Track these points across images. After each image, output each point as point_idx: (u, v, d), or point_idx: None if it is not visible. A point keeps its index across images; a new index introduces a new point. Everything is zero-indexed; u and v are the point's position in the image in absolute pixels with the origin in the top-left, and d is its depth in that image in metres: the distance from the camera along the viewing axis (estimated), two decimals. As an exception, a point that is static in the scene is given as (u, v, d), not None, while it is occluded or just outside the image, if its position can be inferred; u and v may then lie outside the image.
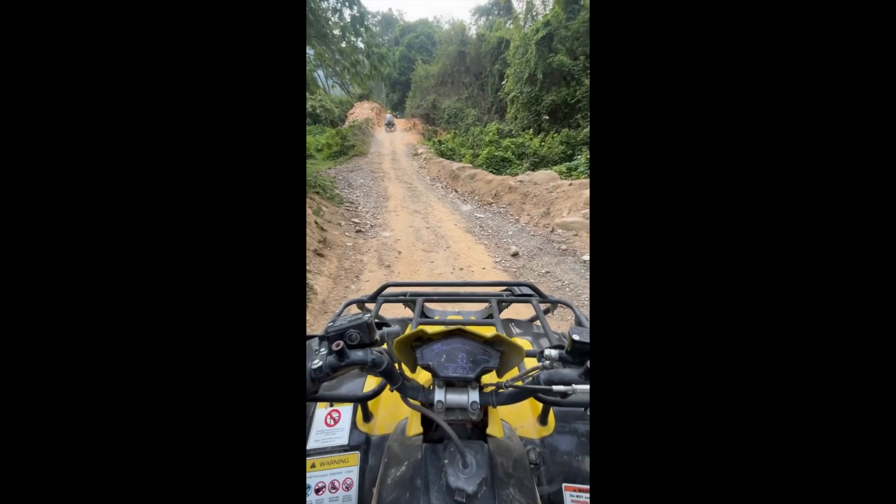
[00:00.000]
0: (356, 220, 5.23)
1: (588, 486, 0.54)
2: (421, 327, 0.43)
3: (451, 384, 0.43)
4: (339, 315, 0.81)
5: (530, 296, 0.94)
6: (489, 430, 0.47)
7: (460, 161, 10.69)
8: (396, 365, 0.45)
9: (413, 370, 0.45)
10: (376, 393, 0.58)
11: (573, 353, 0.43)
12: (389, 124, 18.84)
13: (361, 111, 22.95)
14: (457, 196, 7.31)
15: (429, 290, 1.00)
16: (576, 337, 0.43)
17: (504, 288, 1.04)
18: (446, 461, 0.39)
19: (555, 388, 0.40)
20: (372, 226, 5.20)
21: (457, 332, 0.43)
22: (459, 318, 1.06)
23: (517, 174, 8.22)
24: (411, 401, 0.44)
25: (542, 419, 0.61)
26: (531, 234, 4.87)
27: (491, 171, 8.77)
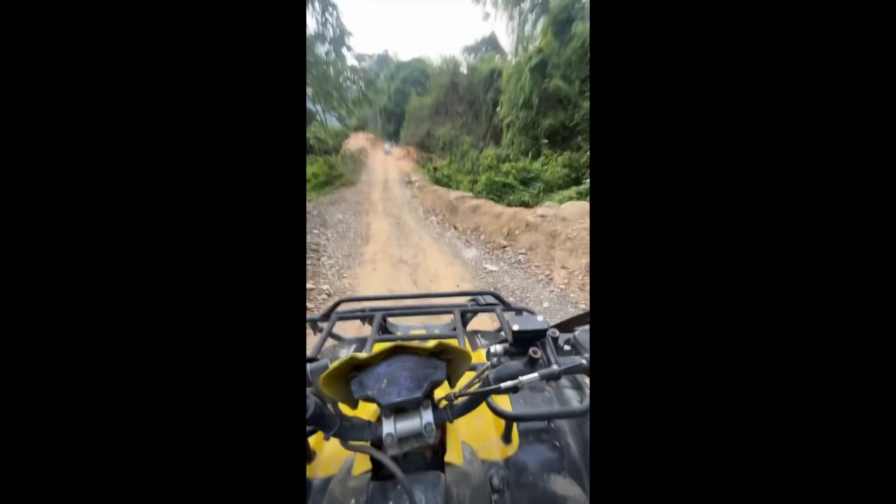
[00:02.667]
0: (310, 286, 3.21)
1: None
2: (352, 355, 0.35)
3: (401, 409, 0.36)
4: None
5: (494, 304, 0.86)
6: (447, 457, 0.40)
7: (458, 189, 9.03)
8: (330, 406, 0.37)
9: (355, 406, 0.38)
10: (313, 431, 0.48)
11: (517, 344, 0.40)
12: (388, 152, 18.50)
13: (357, 141, 21.75)
14: (457, 235, 5.35)
15: (388, 304, 0.88)
16: (515, 327, 0.40)
17: (469, 298, 0.94)
18: (391, 502, 0.34)
19: (503, 385, 0.36)
20: (331, 293, 3.20)
21: (396, 351, 0.37)
22: (423, 332, 0.92)
23: (528, 203, 6.47)
24: (353, 444, 0.37)
25: (506, 437, 0.53)
26: (576, 302, 2.99)
27: (491, 199, 7.11)
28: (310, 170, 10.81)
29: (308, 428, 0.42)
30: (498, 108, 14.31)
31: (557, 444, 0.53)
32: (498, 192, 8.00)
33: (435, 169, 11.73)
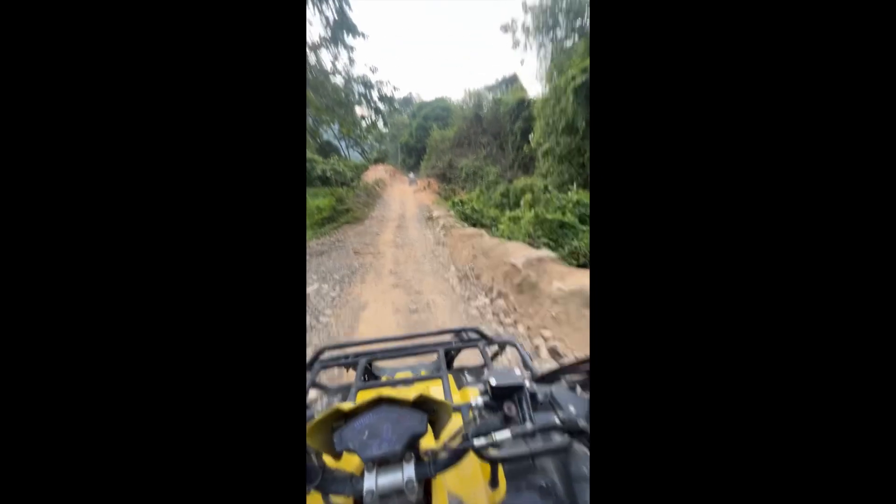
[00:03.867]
0: None
1: None
2: (337, 405, 0.35)
3: (384, 462, 0.35)
4: None
5: (476, 340, 0.82)
6: None
7: (496, 229, 6.57)
8: (314, 457, 0.36)
9: (338, 457, 0.36)
10: None
11: (495, 398, 0.39)
12: (413, 181, 17.73)
13: (375, 173, 20.43)
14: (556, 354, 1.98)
15: (371, 347, 0.83)
16: (493, 381, 0.39)
17: (453, 335, 0.92)
18: None
19: (476, 443, 0.35)
20: None
21: (379, 401, 0.36)
22: (409, 374, 0.86)
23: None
24: (333, 500, 0.36)
25: (493, 482, 0.49)
26: None
27: (547, 245, 4.59)
28: (313, 203, 8.82)
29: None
30: (530, 136, 12.53)
31: (544, 483, 0.49)
32: (553, 235, 5.46)
33: (462, 203, 9.47)
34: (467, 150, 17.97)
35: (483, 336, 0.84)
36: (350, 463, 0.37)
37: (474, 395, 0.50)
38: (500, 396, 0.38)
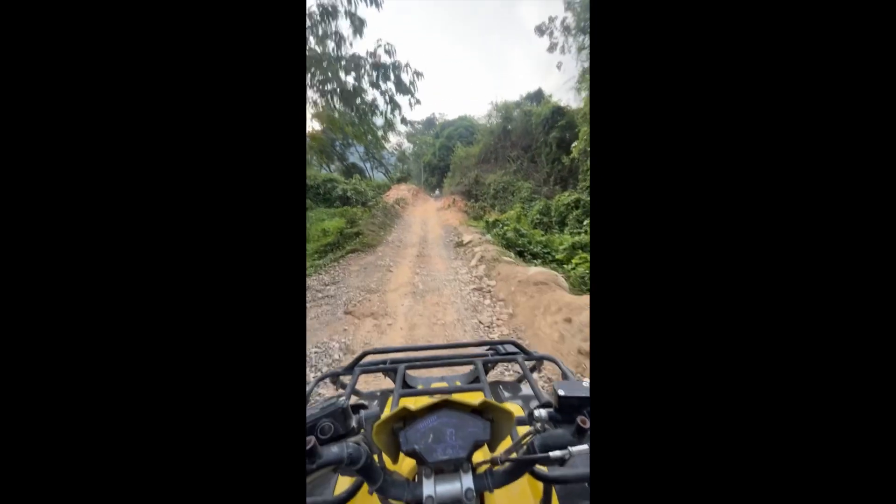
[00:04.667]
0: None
1: None
2: (404, 404, 0.34)
3: (440, 470, 0.33)
4: (309, 394, 0.62)
5: (515, 353, 0.78)
6: None
7: (561, 265, 4.34)
8: (376, 457, 0.35)
9: (396, 459, 0.35)
10: (350, 495, 0.43)
11: (562, 410, 0.36)
12: (437, 197, 16.83)
13: (398, 192, 19.21)
14: None
15: (410, 355, 0.81)
16: (561, 392, 0.36)
17: (488, 348, 0.88)
18: None
19: (552, 454, 0.33)
20: None
21: (443, 405, 0.34)
22: (444, 384, 0.84)
23: None
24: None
25: (546, 502, 0.45)
26: None
27: None
28: (319, 226, 7.22)
29: (356, 479, 0.38)
30: (573, 145, 10.51)
31: None
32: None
33: (500, 224, 7.43)
34: (494, 165, 16.16)
35: (521, 349, 0.79)
36: (404, 465, 0.35)
37: (515, 411, 0.47)
38: (568, 408, 0.35)
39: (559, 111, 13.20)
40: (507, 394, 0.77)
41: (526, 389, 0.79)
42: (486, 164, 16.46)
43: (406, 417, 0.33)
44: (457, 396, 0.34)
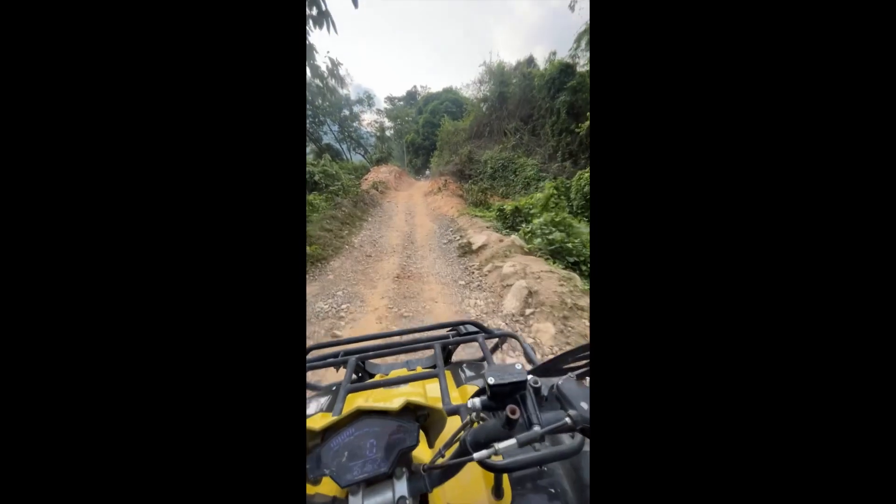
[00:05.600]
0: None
1: None
2: (308, 425, 0.30)
3: (370, 481, 0.30)
4: None
5: (475, 333, 0.74)
6: None
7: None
8: None
9: (315, 482, 0.31)
10: None
11: (494, 399, 0.33)
12: (425, 178, 14.39)
13: (377, 175, 16.24)
14: None
15: (363, 345, 0.72)
16: (491, 380, 0.32)
17: (450, 329, 0.81)
18: None
19: (476, 455, 0.29)
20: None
21: (357, 415, 0.31)
22: (404, 371, 0.78)
23: None
24: None
25: (497, 491, 0.42)
26: None
27: None
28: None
29: None
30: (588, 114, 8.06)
31: (553, 490, 0.44)
32: None
33: (521, 214, 5.02)
34: (489, 140, 13.48)
35: (482, 329, 0.76)
36: (332, 485, 0.31)
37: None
38: (501, 396, 0.32)
39: (568, 70, 10.54)
40: (469, 373, 0.70)
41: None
42: (478, 139, 13.70)
43: (319, 435, 0.29)
44: (379, 400, 0.31)
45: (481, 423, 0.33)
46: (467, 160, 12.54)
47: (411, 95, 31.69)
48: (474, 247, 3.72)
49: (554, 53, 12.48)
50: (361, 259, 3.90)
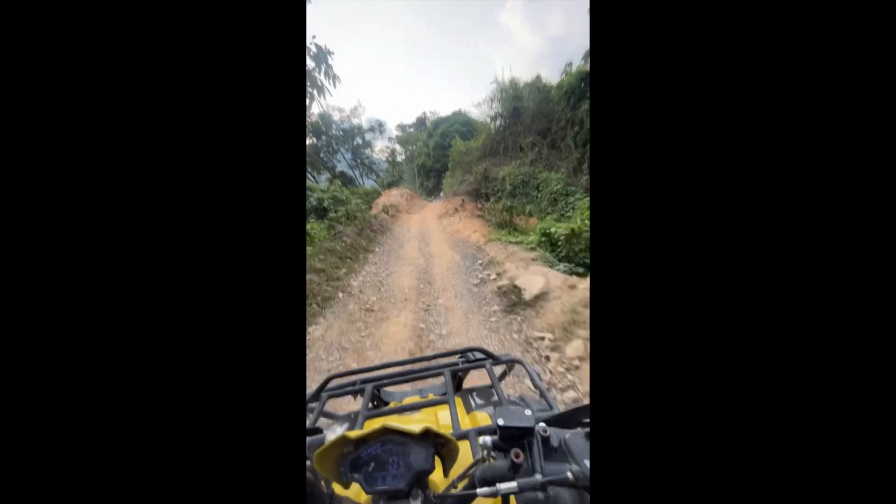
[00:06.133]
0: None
1: None
2: (344, 433, 0.33)
3: (392, 496, 0.32)
4: None
5: (483, 360, 0.75)
6: None
7: None
8: (322, 483, 0.34)
9: (347, 485, 0.33)
10: None
11: (503, 439, 0.34)
12: (437, 200, 13.62)
13: (388, 198, 15.56)
14: None
15: (378, 373, 0.76)
16: (500, 422, 0.33)
17: (459, 356, 0.83)
18: None
19: (478, 491, 0.30)
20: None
21: (384, 431, 0.33)
22: (416, 398, 0.79)
23: None
24: None
25: None
26: None
27: None
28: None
29: None
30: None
31: None
32: None
33: (576, 239, 3.56)
34: (503, 158, 12.53)
35: (489, 355, 0.76)
36: (360, 492, 0.34)
37: (484, 420, 0.49)
38: (509, 438, 0.34)
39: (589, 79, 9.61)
40: (479, 400, 0.70)
41: (496, 397, 0.69)
42: (492, 157, 12.79)
43: (352, 443, 0.32)
44: (407, 420, 0.33)
45: (491, 461, 0.33)
46: (483, 178, 11.50)
47: (421, 121, 32.15)
48: (526, 294, 2.39)
49: (570, 65, 11.67)
50: (358, 316, 2.64)
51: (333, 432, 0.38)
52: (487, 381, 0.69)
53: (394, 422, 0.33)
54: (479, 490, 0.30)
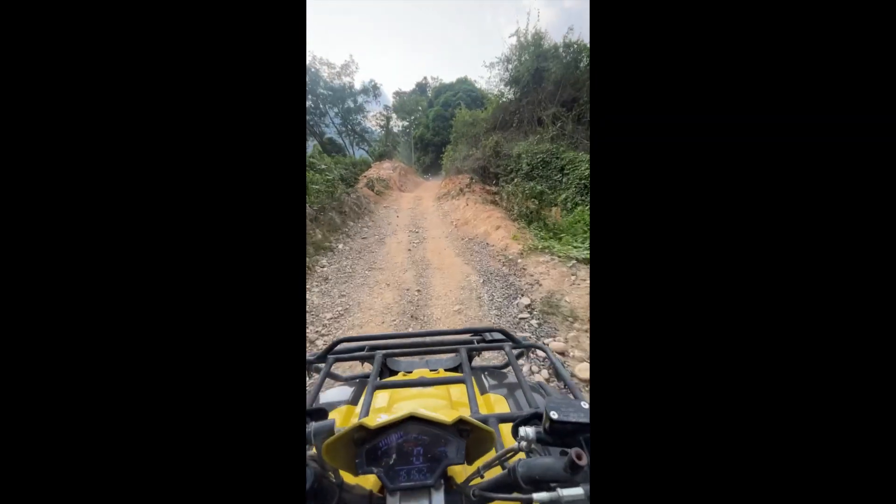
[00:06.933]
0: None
1: None
2: (361, 422, 0.29)
3: (409, 489, 0.30)
4: None
5: (502, 341, 0.69)
6: None
7: None
8: (331, 474, 0.31)
9: (356, 473, 0.30)
10: None
11: (553, 434, 0.30)
12: (435, 178, 12.05)
13: (380, 171, 13.11)
14: None
15: (388, 342, 0.70)
16: (554, 415, 0.29)
17: (474, 334, 0.77)
18: None
19: (536, 497, 0.26)
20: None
21: (409, 419, 0.30)
22: (425, 371, 0.73)
23: None
24: None
25: None
26: None
27: None
28: None
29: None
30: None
31: None
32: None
33: None
34: (517, 132, 10.22)
35: (509, 337, 0.70)
36: (369, 479, 0.32)
37: (499, 403, 0.45)
38: (561, 433, 0.30)
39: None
40: (492, 381, 0.67)
41: (511, 378, 0.69)
42: (503, 130, 10.46)
43: (367, 433, 0.29)
44: (430, 409, 0.31)
45: (531, 455, 0.30)
46: (493, 154, 9.22)
47: (421, 87, 28.47)
48: None
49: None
50: None
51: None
52: (493, 362, 0.69)
53: (417, 406, 0.30)
54: (535, 496, 0.26)
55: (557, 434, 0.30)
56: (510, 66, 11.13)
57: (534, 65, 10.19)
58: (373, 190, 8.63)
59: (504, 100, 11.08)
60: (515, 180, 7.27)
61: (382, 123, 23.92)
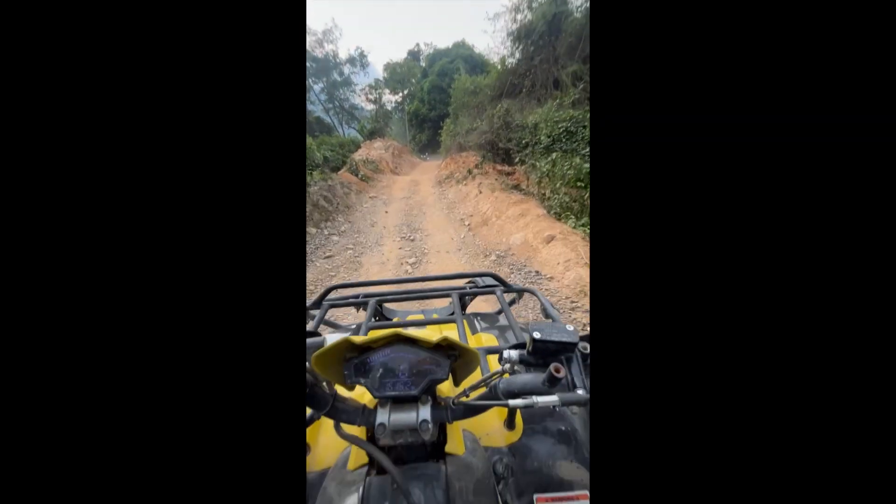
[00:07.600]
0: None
1: (560, 494, 0.41)
2: (347, 337, 0.31)
3: (399, 399, 0.32)
4: None
5: (494, 286, 0.73)
6: (448, 448, 0.35)
7: None
8: (325, 385, 0.33)
9: (351, 387, 0.33)
10: (311, 419, 0.42)
11: (535, 354, 0.32)
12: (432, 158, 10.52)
13: (370, 152, 11.32)
14: None
15: (382, 289, 0.74)
16: (536, 335, 0.32)
17: (467, 280, 0.82)
18: (388, 502, 0.29)
19: (511, 402, 0.29)
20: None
21: (395, 339, 0.32)
22: (421, 317, 0.78)
23: None
24: (346, 433, 0.33)
25: (510, 423, 0.45)
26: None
27: None
28: None
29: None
30: None
31: (563, 428, 0.46)
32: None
33: None
34: (527, 99, 8.34)
35: (501, 282, 0.73)
36: (363, 395, 0.34)
37: (489, 341, 0.47)
38: (544, 353, 0.32)
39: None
40: (483, 324, 0.69)
41: (503, 322, 0.71)
42: (510, 97, 8.55)
43: (356, 348, 0.31)
44: (420, 331, 0.30)
45: (513, 374, 0.32)
46: (502, 126, 7.44)
47: (414, 55, 25.37)
48: None
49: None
50: None
51: (335, 339, 0.35)
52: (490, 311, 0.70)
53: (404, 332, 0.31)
54: (510, 401, 0.28)
55: (540, 354, 0.31)
56: (519, 17, 8.92)
57: (552, 8, 8.06)
58: (357, 175, 7.00)
59: (513, 61, 9.04)
60: (550, 156, 5.60)
61: (373, 98, 21.37)
